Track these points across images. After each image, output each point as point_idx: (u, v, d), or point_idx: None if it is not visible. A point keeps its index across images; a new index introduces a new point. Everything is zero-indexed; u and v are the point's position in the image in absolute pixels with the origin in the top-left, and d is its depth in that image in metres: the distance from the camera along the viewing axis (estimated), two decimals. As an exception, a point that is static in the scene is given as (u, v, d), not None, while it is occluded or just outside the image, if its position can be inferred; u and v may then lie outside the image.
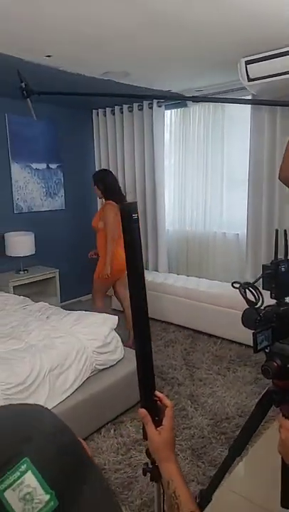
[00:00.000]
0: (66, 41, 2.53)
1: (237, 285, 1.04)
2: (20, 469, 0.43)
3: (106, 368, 2.60)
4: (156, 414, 0.98)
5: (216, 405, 2.70)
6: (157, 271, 4.64)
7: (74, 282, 4.87)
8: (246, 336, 4.12)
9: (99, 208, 3.73)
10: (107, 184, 3.53)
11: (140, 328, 0.99)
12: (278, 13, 2.16)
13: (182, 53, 2.84)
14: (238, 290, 1.11)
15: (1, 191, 4.19)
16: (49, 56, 2.78)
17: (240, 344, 3.55)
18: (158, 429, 0.95)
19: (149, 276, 4.37)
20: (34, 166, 4.44)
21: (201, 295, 3.86)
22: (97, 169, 5.04)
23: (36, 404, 0.58)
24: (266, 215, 3.79)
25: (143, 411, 0.97)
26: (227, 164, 4.24)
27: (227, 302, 3.65)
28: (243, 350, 3.46)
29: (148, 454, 1.00)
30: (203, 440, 2.34)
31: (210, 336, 3.78)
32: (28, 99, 2.21)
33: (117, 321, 2.83)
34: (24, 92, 2.15)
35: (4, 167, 4.17)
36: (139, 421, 2.56)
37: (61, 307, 3.35)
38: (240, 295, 1.12)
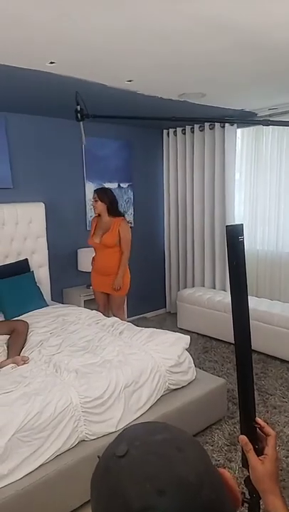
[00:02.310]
0: (147, 67, 2.62)
1: None
2: None
3: (178, 389, 2.58)
4: (256, 442, 0.94)
5: (293, 436, 2.55)
6: (225, 290, 4.56)
7: (140, 299, 4.93)
8: None
9: (92, 225, 3.76)
10: (112, 201, 3.62)
11: (242, 349, 0.97)
12: None
13: (261, 72, 2.82)
14: None
15: (76, 208, 4.39)
16: (130, 81, 2.90)
17: (317, 372, 3.35)
18: (260, 458, 0.92)
19: (217, 296, 4.30)
20: (107, 185, 4.60)
21: (273, 318, 3.71)
22: (165, 189, 5.13)
23: (181, 433, 0.57)
24: None
25: (244, 438, 0.94)
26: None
27: (302, 326, 3.49)
28: None
29: (247, 483, 0.97)
30: (282, 473, 2.21)
31: (282, 361, 3.61)
32: (81, 123, 2.29)
33: (189, 340, 2.80)
34: (78, 115, 2.23)
35: (79, 185, 4.37)
36: (211, 445, 2.49)
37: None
38: None
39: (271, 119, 4.03)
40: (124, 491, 0.49)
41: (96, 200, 3.61)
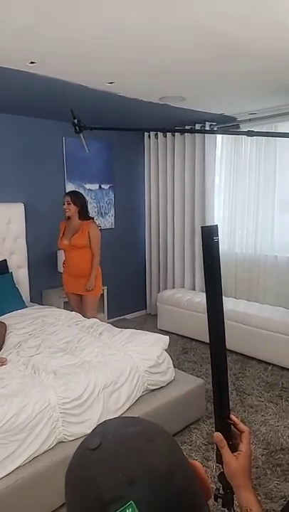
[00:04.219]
0: (127, 69, 2.64)
1: None
2: None
3: (157, 389, 2.59)
4: (230, 438, 0.97)
5: (269, 434, 2.60)
6: (205, 292, 4.59)
7: (120, 300, 4.94)
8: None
9: (61, 228, 3.79)
10: (83, 204, 3.72)
11: (217, 347, 0.99)
12: None
13: (241, 78, 2.88)
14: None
15: (56, 209, 4.35)
16: (111, 83, 2.91)
17: (293, 372, 3.42)
18: (234, 454, 0.94)
19: (197, 298, 4.34)
20: (88, 186, 4.60)
21: (251, 319, 3.78)
22: (146, 191, 5.15)
23: (152, 426, 0.58)
24: None
25: (219, 435, 0.96)
26: (279, 186, 4.18)
27: (279, 327, 3.56)
28: (296, 378, 3.33)
29: (221, 478, 0.99)
30: (257, 471, 2.25)
31: (260, 361, 3.67)
32: (81, 134, 2.40)
33: (168, 341, 2.82)
34: (77, 127, 2.34)
35: (60, 186, 4.35)
36: (190, 445, 2.51)
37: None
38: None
39: (251, 123, 4.12)
40: (97, 483, 0.49)
41: (69, 203, 3.65)
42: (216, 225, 0.99)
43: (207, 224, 4.52)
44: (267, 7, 1.80)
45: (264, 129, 4.16)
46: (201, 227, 0.97)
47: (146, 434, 0.56)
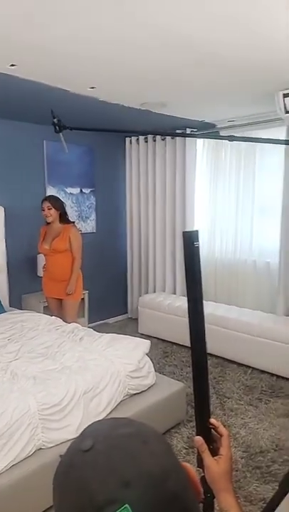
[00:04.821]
0: (109, 74, 2.65)
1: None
2: None
3: (138, 393, 2.59)
4: (211, 442, 0.97)
5: (248, 437, 2.63)
6: (185, 296, 4.62)
7: (102, 304, 4.92)
8: (277, 366, 4.02)
9: (41, 233, 3.77)
10: (63, 209, 3.72)
11: (198, 351, 1.00)
12: None
13: (220, 86, 2.93)
14: (278, 319, 1.10)
15: (37, 213, 4.31)
16: (93, 88, 2.91)
17: (272, 374, 3.47)
18: (215, 458, 0.95)
19: (178, 302, 4.37)
20: (68, 190, 4.58)
21: (230, 323, 3.82)
22: (128, 195, 5.16)
23: (145, 427, 0.56)
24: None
25: (200, 439, 0.96)
26: (258, 191, 4.26)
27: (258, 331, 3.61)
28: (275, 381, 3.38)
29: (202, 483, 0.99)
30: (237, 474, 2.27)
31: (240, 364, 3.72)
32: (61, 134, 2.40)
33: (149, 345, 2.83)
34: (57, 127, 2.35)
35: (40, 190, 4.31)
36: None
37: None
38: (286, 326, 1.12)
39: (230, 130, 4.18)
40: (89, 485, 0.48)
41: (50, 208, 3.62)
42: (197, 231, 1.00)
43: (188, 228, 4.57)
44: (245, 16, 1.84)
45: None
46: (183, 232, 0.98)
47: (140, 435, 0.55)
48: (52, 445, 2.04)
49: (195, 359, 0.98)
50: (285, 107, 2.84)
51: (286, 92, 2.79)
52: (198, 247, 1.01)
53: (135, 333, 4.48)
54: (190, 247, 1.01)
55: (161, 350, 4.12)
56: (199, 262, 1.02)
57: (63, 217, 3.69)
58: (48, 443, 2.04)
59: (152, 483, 0.49)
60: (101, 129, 4.50)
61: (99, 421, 0.61)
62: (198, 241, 1.00)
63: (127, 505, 0.45)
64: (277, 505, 1.33)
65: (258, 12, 1.79)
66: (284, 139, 3.61)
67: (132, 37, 2.05)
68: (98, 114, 3.61)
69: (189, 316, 0.98)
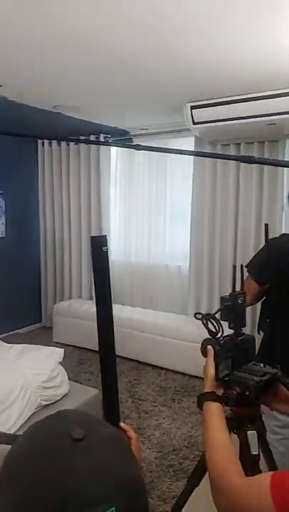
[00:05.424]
0: (19, 72, 2.55)
1: (199, 316, 1.09)
2: None
3: (51, 404, 2.50)
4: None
5: (162, 437, 2.69)
6: (101, 302, 4.61)
7: (12, 314, 4.68)
8: (190, 366, 4.18)
9: None
10: None
11: (106, 360, 1.00)
12: (221, 66, 2.38)
13: (132, 95, 3.00)
14: (189, 320, 1.16)
15: None
16: (0, 86, 2.78)
17: (184, 374, 3.60)
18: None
19: (93, 308, 4.32)
20: (-25, 192, 4.30)
21: (146, 326, 3.90)
22: (40, 199, 5.01)
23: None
24: (208, 250, 3.98)
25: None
26: (170, 198, 4.43)
27: (171, 333, 3.73)
28: (187, 381, 3.52)
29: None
30: (152, 474, 2.31)
31: (154, 367, 3.80)
32: None
33: (63, 354, 2.76)
34: None
35: None
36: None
37: None
38: (195, 326, 1.18)
39: (143, 138, 4.29)
40: (78, 477, 0.45)
41: None
42: (105, 236, 1.01)
43: (104, 233, 4.56)
44: (154, 29, 1.91)
45: (155, 144, 4.38)
46: (91, 237, 0.97)
47: (122, 440, 0.55)
48: None
49: (103, 365, 0.98)
50: (192, 119, 2.99)
51: (193, 104, 2.94)
52: (106, 252, 1.01)
53: (50, 342, 4.34)
54: (99, 252, 1.00)
55: (77, 358, 4.04)
56: (108, 266, 1.03)
57: None
58: None
59: (135, 490, 0.49)
60: (7, 132, 4.26)
61: (76, 410, 0.59)
62: (107, 246, 1.00)
63: (114, 508, 0.44)
64: (186, 501, 1.38)
65: (167, 26, 1.87)
66: (192, 148, 3.80)
67: (42, 37, 2.00)
68: (6, 115, 3.44)
69: (98, 321, 0.97)
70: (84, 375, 3.66)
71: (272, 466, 1.24)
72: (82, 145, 4.62)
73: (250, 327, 2.99)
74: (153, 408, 3.08)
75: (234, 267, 1.16)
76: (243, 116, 2.81)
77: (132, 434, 0.99)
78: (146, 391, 3.35)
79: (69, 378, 2.71)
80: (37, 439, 0.51)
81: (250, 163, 1.15)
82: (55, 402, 2.53)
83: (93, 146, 4.53)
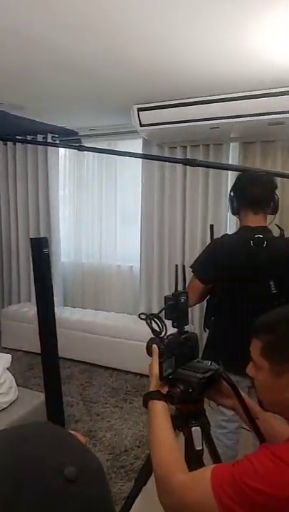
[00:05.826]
0: None
1: (143, 316, 1.10)
2: None
3: (-2, 411, 2.42)
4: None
5: (114, 439, 2.69)
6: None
7: None
8: (140, 365, 4.22)
9: None
10: None
11: (49, 365, 0.99)
12: (168, 69, 2.41)
13: (79, 95, 2.96)
14: (139, 320, 1.17)
15: None
16: None
17: (135, 374, 3.62)
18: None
19: (43, 311, 4.24)
20: None
21: (96, 327, 3.88)
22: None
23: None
24: (157, 251, 4.03)
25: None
26: (120, 200, 4.43)
27: (123, 333, 3.74)
28: (138, 380, 3.54)
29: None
30: (103, 476, 2.30)
31: (106, 368, 3.79)
32: None
33: (10, 359, 2.67)
34: None
35: None
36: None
37: None
38: (144, 325, 1.19)
39: (92, 139, 4.27)
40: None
41: None
42: (46, 237, 1.00)
43: (53, 236, 4.48)
44: (101, 30, 1.91)
45: (104, 146, 4.36)
46: (30, 239, 0.96)
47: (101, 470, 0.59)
48: None
49: (46, 368, 0.96)
50: (139, 121, 3.01)
51: (140, 106, 2.97)
52: (48, 254, 1.00)
53: (-3, 347, 4.19)
54: (39, 254, 0.99)
55: (26, 363, 3.94)
56: (50, 268, 1.01)
57: None
58: None
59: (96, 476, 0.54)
60: None
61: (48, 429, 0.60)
62: (47, 248, 0.99)
63: None
64: (133, 501, 1.39)
65: (111, 26, 1.87)
66: (140, 150, 3.83)
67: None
68: None
69: (39, 324, 0.96)
70: (34, 379, 3.57)
71: (216, 459, 1.28)
72: (29, 145, 4.50)
73: (199, 325, 3.07)
74: (104, 410, 3.07)
75: (176, 266, 1.18)
76: (188, 119, 2.88)
77: (80, 438, 0.99)
78: (98, 393, 3.34)
79: (18, 384, 2.63)
80: (21, 473, 0.46)
81: (193, 166, 1.18)
82: (2, 410, 2.45)
83: (41, 147, 4.43)
